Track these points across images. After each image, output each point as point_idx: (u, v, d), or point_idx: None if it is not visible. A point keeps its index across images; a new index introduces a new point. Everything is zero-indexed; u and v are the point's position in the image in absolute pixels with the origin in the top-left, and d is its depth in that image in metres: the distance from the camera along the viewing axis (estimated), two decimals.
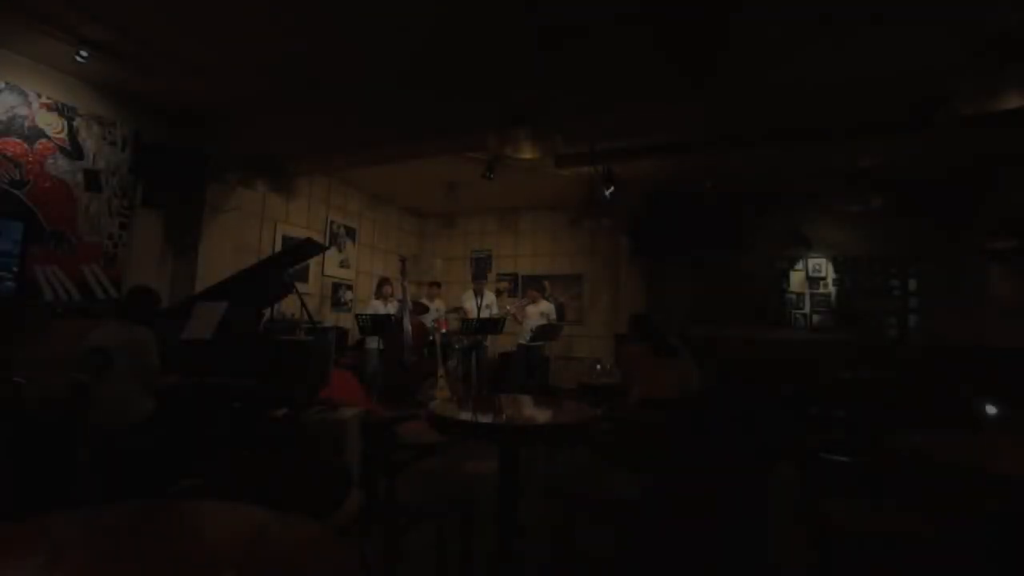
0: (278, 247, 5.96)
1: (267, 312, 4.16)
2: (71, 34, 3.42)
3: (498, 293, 8.07)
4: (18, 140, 3.73)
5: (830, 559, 1.94)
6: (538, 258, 8.30)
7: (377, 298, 6.37)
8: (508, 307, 7.12)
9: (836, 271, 6.58)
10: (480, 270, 8.39)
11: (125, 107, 4.39)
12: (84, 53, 3.55)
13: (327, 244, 6.72)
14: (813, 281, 6.67)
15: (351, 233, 7.32)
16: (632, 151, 5.09)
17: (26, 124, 3.77)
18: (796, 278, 6.74)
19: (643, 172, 5.82)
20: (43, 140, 3.88)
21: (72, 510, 1.21)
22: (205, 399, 3.02)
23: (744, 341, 6.70)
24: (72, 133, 4.05)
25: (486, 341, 6.77)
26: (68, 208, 4.03)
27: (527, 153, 2.99)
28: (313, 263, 6.48)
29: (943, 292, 6.04)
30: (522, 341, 6.79)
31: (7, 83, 3.66)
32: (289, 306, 5.52)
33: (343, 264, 7.16)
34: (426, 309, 7.01)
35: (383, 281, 6.45)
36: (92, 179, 4.18)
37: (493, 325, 6.24)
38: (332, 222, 6.95)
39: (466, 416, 2.42)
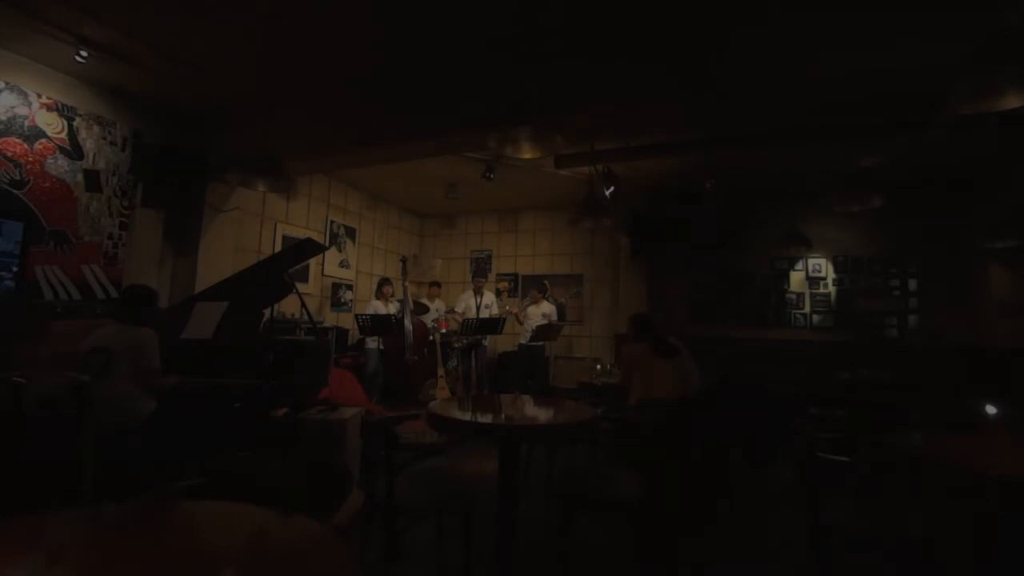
0: (278, 247, 5.96)
1: (267, 312, 4.16)
2: (71, 34, 3.42)
3: (498, 293, 8.08)
4: (18, 140, 3.73)
5: (830, 559, 1.94)
6: (538, 258, 8.30)
7: (377, 298, 6.38)
8: (511, 308, 7.13)
9: (836, 271, 6.59)
10: (480, 270, 8.40)
11: (125, 107, 4.39)
12: (84, 53, 3.55)
13: (327, 244, 6.72)
14: (813, 281, 6.66)
15: (351, 233, 7.32)
16: (632, 151, 5.08)
17: (26, 124, 3.77)
18: (796, 278, 6.74)
19: (643, 172, 5.82)
20: (43, 140, 3.88)
21: (72, 510, 1.21)
22: (205, 399, 3.02)
23: (744, 341, 6.71)
24: (72, 133, 4.05)
25: (485, 341, 6.77)
26: (68, 208, 4.03)
27: (527, 153, 2.99)
28: (313, 263, 6.49)
29: (943, 292, 6.04)
30: (523, 341, 6.80)
31: (7, 83, 3.67)
32: (289, 306, 5.51)
33: (343, 264, 7.16)
34: (426, 309, 7.02)
35: (383, 281, 6.45)
36: (92, 179, 4.18)
37: (493, 325, 6.25)
38: (332, 222, 6.95)
39: (466, 416, 2.42)
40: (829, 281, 6.61)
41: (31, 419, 2.53)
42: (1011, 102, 1.98)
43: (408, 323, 6.39)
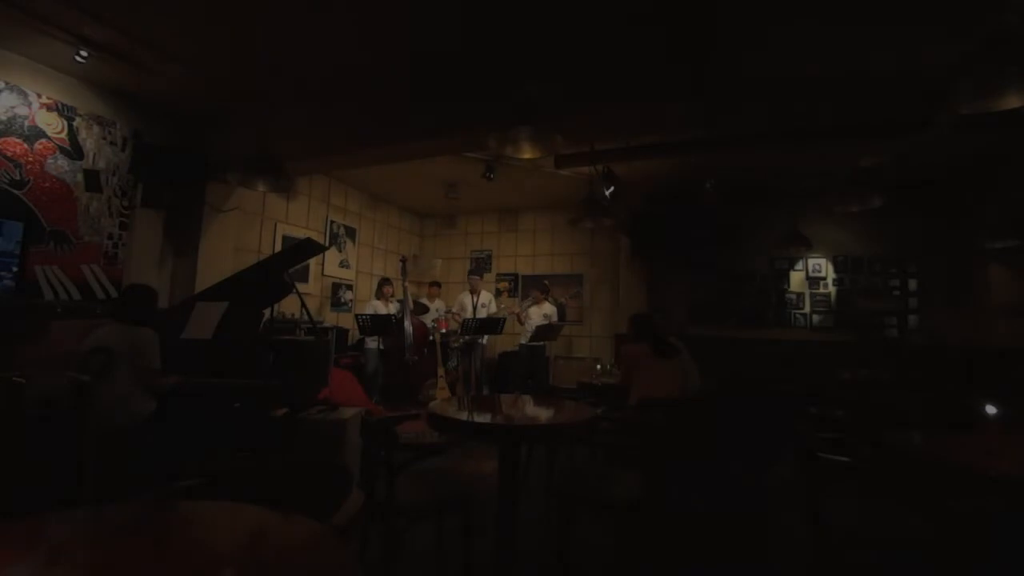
0: (278, 247, 5.96)
1: (267, 312, 4.16)
2: (71, 34, 3.42)
3: (498, 293, 8.08)
4: (18, 140, 3.73)
5: (830, 559, 1.94)
6: (538, 258, 8.31)
7: (377, 298, 6.38)
8: (514, 308, 7.13)
9: (836, 271, 6.59)
10: (477, 268, 8.39)
11: (125, 107, 4.39)
12: (84, 53, 3.55)
13: (327, 244, 6.72)
14: (813, 281, 6.67)
15: (351, 233, 7.32)
16: (632, 151, 5.08)
17: (26, 124, 3.77)
18: (796, 278, 6.75)
19: (643, 172, 5.82)
20: (43, 140, 3.88)
21: (72, 510, 1.21)
22: (205, 399, 3.02)
23: (744, 341, 6.71)
24: (72, 133, 4.05)
25: (482, 340, 6.77)
26: (68, 208, 4.03)
27: (527, 153, 2.99)
28: (313, 263, 6.49)
29: (943, 292, 6.05)
30: (523, 341, 6.80)
31: (7, 83, 3.67)
32: (289, 306, 5.52)
33: (343, 264, 7.16)
34: (426, 309, 7.03)
35: (384, 282, 6.46)
36: (92, 179, 4.18)
37: (493, 325, 6.25)
38: (332, 222, 6.95)
39: (466, 416, 2.42)
40: (829, 281, 6.61)
41: (31, 419, 2.53)
42: (1011, 102, 1.98)
43: (408, 323, 6.40)
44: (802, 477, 2.02)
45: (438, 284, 7.49)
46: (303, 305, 3.90)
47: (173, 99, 4.44)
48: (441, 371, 6.38)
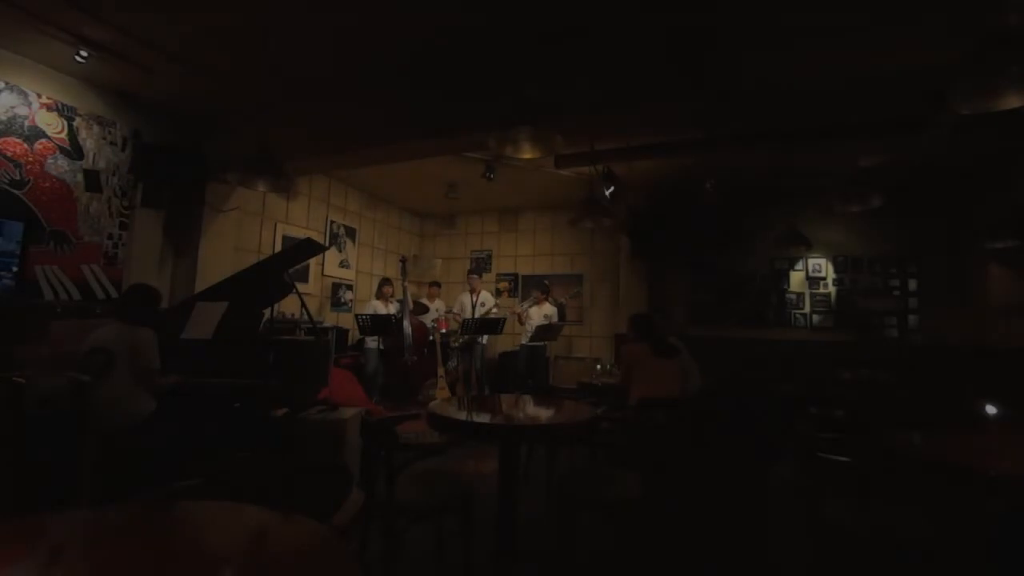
0: (278, 247, 5.96)
1: (267, 312, 4.16)
2: (71, 34, 3.42)
3: (498, 293, 8.08)
4: (18, 140, 3.73)
5: (830, 559, 1.94)
6: (538, 258, 8.30)
7: (378, 298, 6.38)
8: (515, 308, 7.13)
9: (836, 271, 6.59)
10: (477, 268, 8.39)
11: (125, 107, 4.39)
12: (84, 53, 3.55)
13: (327, 244, 6.72)
14: (813, 281, 6.67)
15: (351, 233, 7.32)
16: (632, 151, 5.08)
17: (26, 124, 3.77)
18: (796, 278, 6.75)
19: (643, 172, 5.82)
20: (43, 140, 3.88)
21: (72, 510, 1.21)
22: (205, 399, 3.02)
23: (744, 341, 6.71)
24: (72, 133, 4.05)
25: (482, 340, 6.77)
26: (68, 208, 4.03)
27: (527, 153, 2.98)
28: (313, 263, 6.49)
29: (943, 292, 6.04)
30: (523, 341, 6.80)
31: (7, 83, 3.67)
32: (289, 306, 5.51)
33: (343, 264, 7.16)
34: (426, 309, 7.02)
35: (384, 282, 6.46)
36: (92, 179, 4.18)
37: (493, 325, 6.25)
38: (332, 222, 6.95)
39: (466, 416, 2.42)
40: (829, 281, 6.61)
41: (31, 419, 2.53)
42: (1011, 102, 1.98)
43: (408, 323, 6.40)
44: (802, 477, 2.02)
45: (438, 284, 7.49)
46: (303, 305, 3.90)
47: (173, 99, 4.44)
48: (441, 371, 6.38)
